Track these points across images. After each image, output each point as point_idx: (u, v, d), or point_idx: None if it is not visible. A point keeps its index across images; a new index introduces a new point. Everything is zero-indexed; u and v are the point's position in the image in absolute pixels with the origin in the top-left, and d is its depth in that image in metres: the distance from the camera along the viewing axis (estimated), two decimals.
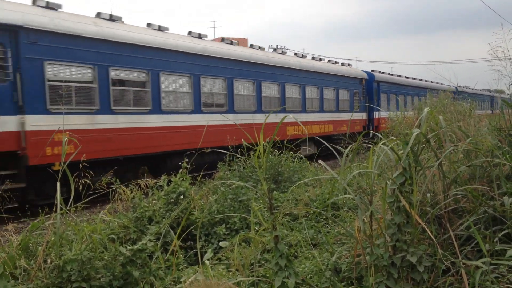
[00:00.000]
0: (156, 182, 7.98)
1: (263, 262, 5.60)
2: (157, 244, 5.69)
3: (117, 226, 6.50)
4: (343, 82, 24.91)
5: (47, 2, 11.77)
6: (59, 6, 12.12)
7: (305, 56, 23.67)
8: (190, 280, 4.23)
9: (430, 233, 4.01)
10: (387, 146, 4.52)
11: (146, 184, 8.35)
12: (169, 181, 7.52)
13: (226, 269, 5.37)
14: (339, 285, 4.69)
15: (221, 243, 5.65)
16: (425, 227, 4.03)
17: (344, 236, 5.78)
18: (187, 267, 5.74)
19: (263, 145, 4.54)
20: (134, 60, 13.48)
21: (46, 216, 5.86)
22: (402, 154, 4.28)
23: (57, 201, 5.23)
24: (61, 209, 5.25)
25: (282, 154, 10.74)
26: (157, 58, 14.10)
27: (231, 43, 18.30)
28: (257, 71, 18.35)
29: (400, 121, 11.13)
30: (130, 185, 8.33)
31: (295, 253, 6.03)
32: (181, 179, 7.40)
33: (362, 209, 4.44)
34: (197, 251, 5.28)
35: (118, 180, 8.00)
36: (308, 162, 11.62)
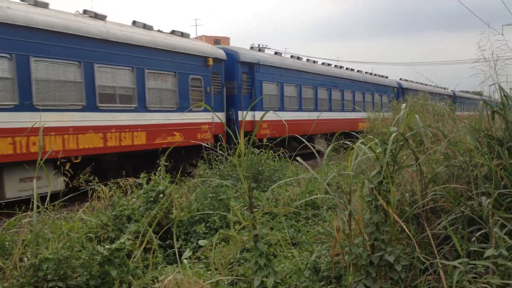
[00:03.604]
0: (135, 180, 7.92)
1: (242, 261, 5.59)
2: (136, 243, 5.64)
3: (95, 224, 6.43)
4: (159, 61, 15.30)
5: None
6: None
7: None
8: (168, 279, 4.19)
9: (408, 232, 4.03)
10: (365, 145, 4.54)
11: (125, 182, 8.28)
12: (149, 179, 7.46)
13: (205, 268, 5.34)
14: (318, 284, 4.70)
15: (200, 242, 5.63)
16: (403, 225, 4.05)
17: (324, 235, 5.79)
18: (166, 266, 5.70)
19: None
20: None
21: (23, 214, 5.78)
22: (379, 153, 4.30)
23: (33, 199, 5.16)
24: (38, 207, 5.18)
25: (262, 152, 10.74)
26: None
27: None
28: None
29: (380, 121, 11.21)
30: (109, 183, 8.25)
31: (275, 252, 6.02)
32: (160, 177, 7.34)
33: (341, 208, 4.45)
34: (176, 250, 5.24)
35: (96, 178, 7.92)
36: (289, 161, 11.63)
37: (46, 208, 5.54)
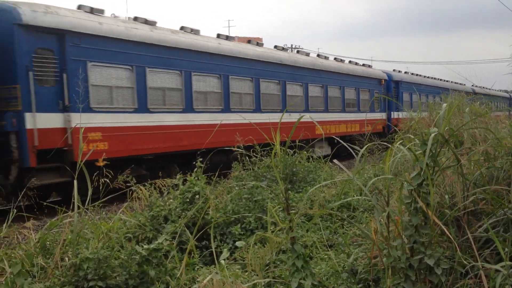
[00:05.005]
0: (172, 181, 7.99)
1: (278, 263, 5.58)
2: (173, 244, 5.69)
3: (133, 225, 6.52)
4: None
5: None
6: None
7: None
8: (206, 280, 4.21)
9: (449, 234, 3.95)
10: (405, 146, 4.46)
11: (162, 183, 8.36)
12: (185, 180, 7.52)
13: (241, 270, 5.35)
14: (356, 287, 4.66)
15: (237, 243, 5.63)
16: (444, 228, 3.98)
17: (361, 237, 5.74)
18: (202, 267, 5.74)
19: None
20: None
21: (64, 215, 5.90)
22: (419, 154, 4.22)
23: (74, 199, 5.26)
24: (79, 207, 5.28)
25: (296, 153, 10.70)
26: None
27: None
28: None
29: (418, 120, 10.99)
30: (146, 184, 8.34)
31: (311, 254, 5.99)
32: (196, 178, 7.39)
33: (378, 210, 4.39)
34: (212, 251, 5.27)
35: (134, 179, 8.03)
36: (323, 162, 11.55)
37: (87, 209, 5.65)
